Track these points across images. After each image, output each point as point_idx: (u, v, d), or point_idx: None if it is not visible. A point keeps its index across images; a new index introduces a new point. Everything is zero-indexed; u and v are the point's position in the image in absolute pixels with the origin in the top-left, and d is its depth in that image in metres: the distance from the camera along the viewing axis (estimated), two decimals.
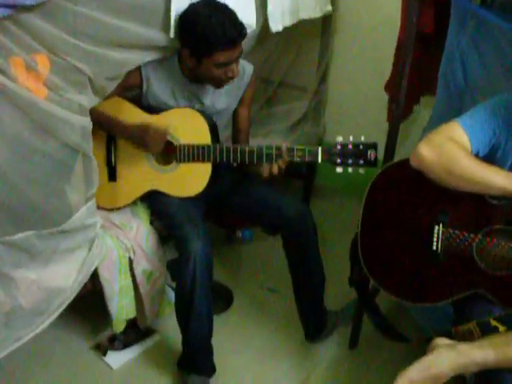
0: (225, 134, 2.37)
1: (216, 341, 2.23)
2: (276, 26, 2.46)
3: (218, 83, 2.10)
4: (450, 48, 1.96)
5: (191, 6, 1.99)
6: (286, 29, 2.60)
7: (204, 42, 1.95)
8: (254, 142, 2.30)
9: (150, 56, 2.07)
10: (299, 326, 2.42)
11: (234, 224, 2.97)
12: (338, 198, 3.38)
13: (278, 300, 2.66)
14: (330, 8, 2.75)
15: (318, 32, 3.08)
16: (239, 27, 1.98)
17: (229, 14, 1.98)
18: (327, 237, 2.89)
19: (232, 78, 2.07)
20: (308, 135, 3.05)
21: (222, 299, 2.65)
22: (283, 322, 2.53)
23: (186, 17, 1.98)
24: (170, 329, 2.41)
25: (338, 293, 2.54)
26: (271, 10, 2.39)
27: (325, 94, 3.22)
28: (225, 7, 2.00)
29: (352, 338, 2.40)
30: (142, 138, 2.10)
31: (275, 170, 2.05)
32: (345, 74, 3.18)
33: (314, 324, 2.39)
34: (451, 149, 1.63)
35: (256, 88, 2.91)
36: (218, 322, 2.36)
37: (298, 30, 2.94)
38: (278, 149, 2.02)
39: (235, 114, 2.35)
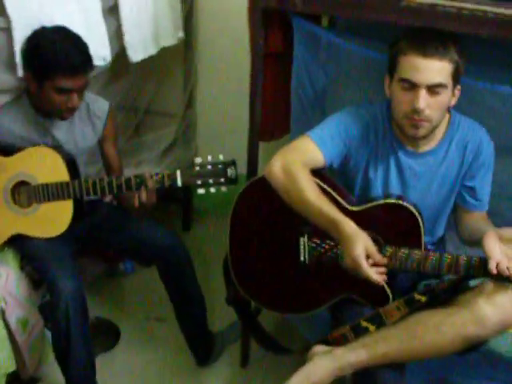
0: (89, 170, 2.36)
1: (106, 379, 2.19)
2: (135, 55, 2.45)
3: (59, 113, 2.06)
4: (297, 66, 2.05)
5: (40, 29, 1.97)
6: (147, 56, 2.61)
7: (45, 63, 1.93)
8: (127, 173, 2.27)
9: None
10: (190, 353, 2.41)
11: (115, 257, 2.92)
12: (218, 219, 3.38)
13: (166, 329, 2.62)
14: (181, 34, 2.77)
15: (180, 57, 3.10)
16: (85, 56, 1.98)
17: (77, 43, 1.97)
18: (210, 258, 2.91)
19: (72, 109, 2.04)
20: (180, 160, 3.05)
21: (108, 335, 2.59)
22: (174, 351, 2.51)
23: (31, 39, 1.95)
24: (55, 375, 2.30)
25: (224, 313, 2.54)
26: (128, 39, 2.38)
27: (193, 118, 3.24)
28: (75, 36, 1.99)
29: (242, 356, 2.42)
30: None
31: (143, 197, 2.03)
32: (211, 96, 3.22)
33: (201, 349, 2.40)
34: (301, 178, 1.70)
35: (122, 119, 2.91)
36: (107, 359, 2.32)
37: (160, 57, 2.95)
38: (140, 177, 2.01)
39: (102, 152, 2.33)
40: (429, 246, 1.87)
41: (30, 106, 2.10)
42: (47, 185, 2.05)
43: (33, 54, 1.95)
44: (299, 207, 1.71)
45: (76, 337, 1.98)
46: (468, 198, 1.86)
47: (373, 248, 1.62)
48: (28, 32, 1.97)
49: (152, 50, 2.55)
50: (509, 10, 1.56)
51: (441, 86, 1.60)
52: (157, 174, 2.00)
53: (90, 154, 2.31)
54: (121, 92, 2.94)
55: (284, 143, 1.87)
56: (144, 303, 2.81)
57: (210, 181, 2.00)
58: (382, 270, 1.65)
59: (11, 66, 1.95)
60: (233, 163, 2.00)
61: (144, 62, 2.62)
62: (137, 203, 2.05)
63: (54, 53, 1.91)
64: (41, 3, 1.99)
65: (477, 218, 1.87)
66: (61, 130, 2.16)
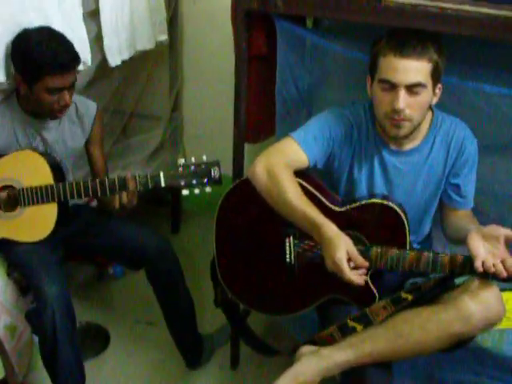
0: (77, 174, 2.35)
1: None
2: (114, 60, 2.45)
3: (52, 113, 2.06)
4: (282, 68, 2.05)
5: (24, 30, 1.97)
6: (133, 59, 2.61)
7: (34, 65, 1.92)
8: (114, 176, 2.26)
9: None
10: (180, 356, 2.41)
11: (104, 261, 2.91)
12: (208, 221, 3.35)
13: (156, 332, 2.62)
14: (164, 37, 2.77)
15: (166, 59, 3.10)
16: (72, 53, 1.98)
17: (62, 41, 1.98)
18: (199, 261, 2.89)
19: (65, 106, 2.05)
20: (168, 163, 3.06)
21: (98, 340, 2.58)
22: (164, 354, 2.51)
23: (17, 42, 1.96)
24: (45, 381, 2.29)
25: (214, 315, 2.54)
26: (107, 43, 2.38)
27: (180, 120, 3.25)
28: (59, 35, 2.00)
29: (232, 358, 2.42)
30: None
31: (124, 199, 2.02)
32: (197, 98, 3.23)
33: (191, 351, 2.40)
34: (283, 179, 1.70)
35: (108, 122, 2.90)
36: (97, 363, 2.31)
37: (146, 59, 2.96)
38: (123, 179, 2.00)
39: (88, 154, 2.32)
40: (415, 245, 1.88)
41: (18, 106, 2.10)
42: (31, 188, 2.04)
43: (21, 58, 1.95)
44: (281, 209, 1.71)
45: (63, 342, 1.97)
46: (453, 196, 1.86)
47: (354, 251, 1.62)
48: (7, 37, 1.96)
49: (126, 55, 2.54)
50: (492, 10, 1.56)
51: (420, 85, 1.61)
52: (140, 176, 1.99)
53: (78, 157, 2.31)
54: (107, 95, 2.94)
55: (269, 145, 1.87)
56: (133, 307, 2.81)
57: (194, 181, 1.98)
58: (363, 271, 1.65)
59: None
60: (216, 164, 1.99)
61: (129, 65, 2.62)
62: (117, 205, 2.04)
63: (42, 54, 1.91)
64: (20, 7, 1.98)
65: (462, 216, 1.88)
66: (49, 131, 2.16)
